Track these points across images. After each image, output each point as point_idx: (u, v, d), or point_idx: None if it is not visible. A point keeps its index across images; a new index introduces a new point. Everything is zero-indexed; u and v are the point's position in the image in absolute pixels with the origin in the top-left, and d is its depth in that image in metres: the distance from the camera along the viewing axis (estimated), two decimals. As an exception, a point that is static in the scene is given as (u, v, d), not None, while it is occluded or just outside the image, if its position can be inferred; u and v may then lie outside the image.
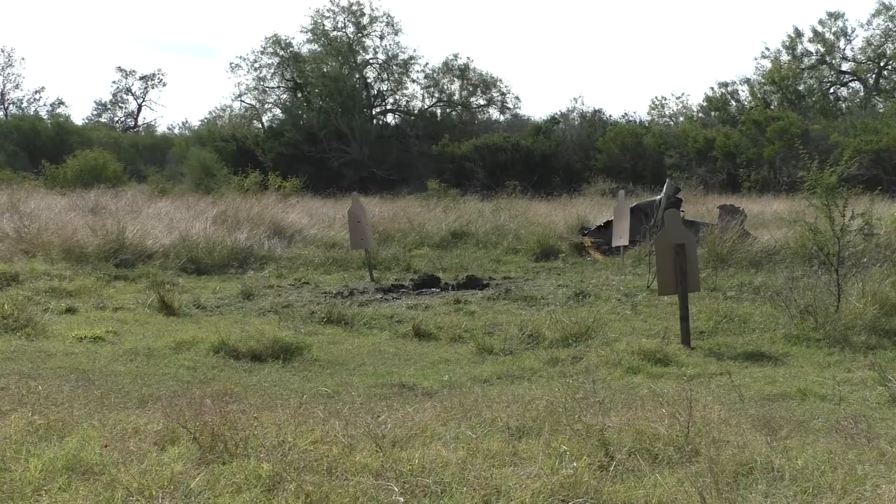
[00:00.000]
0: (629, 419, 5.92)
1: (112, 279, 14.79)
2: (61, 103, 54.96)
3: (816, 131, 37.90)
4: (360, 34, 48.32)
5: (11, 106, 53.63)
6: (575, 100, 46.41)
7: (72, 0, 71.52)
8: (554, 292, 14.29)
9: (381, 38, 48.55)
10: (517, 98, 51.38)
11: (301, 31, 50.88)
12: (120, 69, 57.57)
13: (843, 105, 48.34)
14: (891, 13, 46.98)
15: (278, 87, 49.59)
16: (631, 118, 49.58)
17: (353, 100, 46.59)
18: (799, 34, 48.91)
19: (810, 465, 5.08)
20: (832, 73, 48.99)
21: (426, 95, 50.31)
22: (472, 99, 50.56)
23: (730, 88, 49.32)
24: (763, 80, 48.59)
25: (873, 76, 48.39)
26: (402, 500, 4.44)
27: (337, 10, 47.84)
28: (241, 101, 49.72)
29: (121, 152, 40.05)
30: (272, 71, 49.05)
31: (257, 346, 9.19)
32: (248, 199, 23.59)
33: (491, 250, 19.75)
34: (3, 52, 53.93)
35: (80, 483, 4.66)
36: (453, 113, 50.05)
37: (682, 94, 52.32)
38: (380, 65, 49.22)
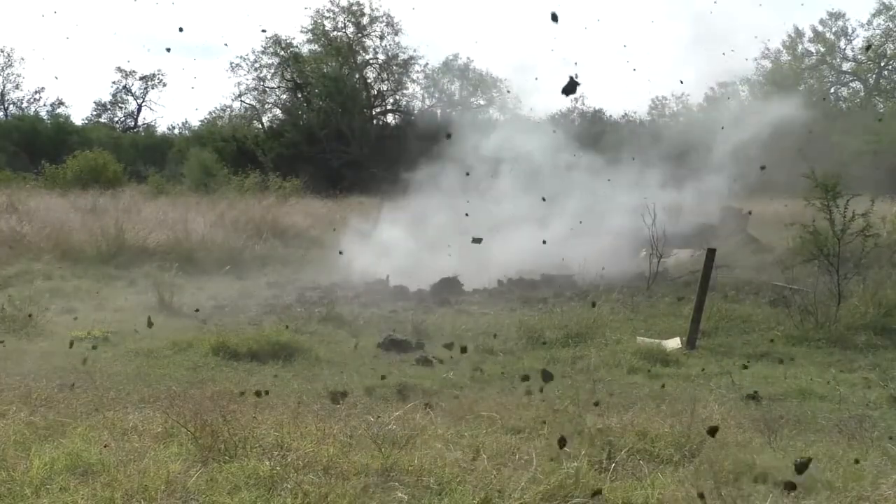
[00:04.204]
0: (630, 419, 5.92)
1: (111, 279, 14.79)
2: (61, 103, 54.79)
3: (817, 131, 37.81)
4: (360, 34, 48.33)
5: (11, 106, 53.54)
6: (575, 100, 46.52)
7: (72, 0, 71.69)
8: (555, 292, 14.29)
9: (381, 38, 48.59)
10: (517, 98, 51.36)
11: (301, 32, 50.91)
12: (120, 69, 57.31)
13: (844, 105, 48.30)
14: (891, 13, 46.97)
15: (278, 87, 49.59)
16: (631, 118, 49.53)
17: (353, 100, 46.57)
18: (800, 34, 48.94)
19: (811, 464, 5.07)
20: (832, 73, 48.97)
21: (426, 95, 50.30)
22: (472, 99, 50.54)
23: (730, 89, 49.29)
24: (763, 81, 48.55)
25: (873, 76, 48.37)
26: (405, 497, 4.44)
27: (337, 10, 47.89)
28: (242, 101, 49.75)
29: (120, 153, 39.86)
30: (272, 71, 49.07)
31: (257, 346, 9.18)
32: (247, 200, 23.57)
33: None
34: (2, 52, 53.76)
35: (80, 483, 4.65)
36: (453, 113, 50.01)
37: (683, 94, 52.07)
38: (380, 65, 49.23)
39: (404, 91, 50.24)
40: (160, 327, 10.84)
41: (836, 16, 48.32)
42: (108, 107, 56.13)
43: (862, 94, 48.76)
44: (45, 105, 54.35)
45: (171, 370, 8.47)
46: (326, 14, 47.85)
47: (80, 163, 32.06)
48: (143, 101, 56.01)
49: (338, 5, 47.78)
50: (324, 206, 26.64)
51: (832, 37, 48.55)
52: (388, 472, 4.76)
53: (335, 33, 48.02)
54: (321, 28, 47.80)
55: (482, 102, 50.56)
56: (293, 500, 4.41)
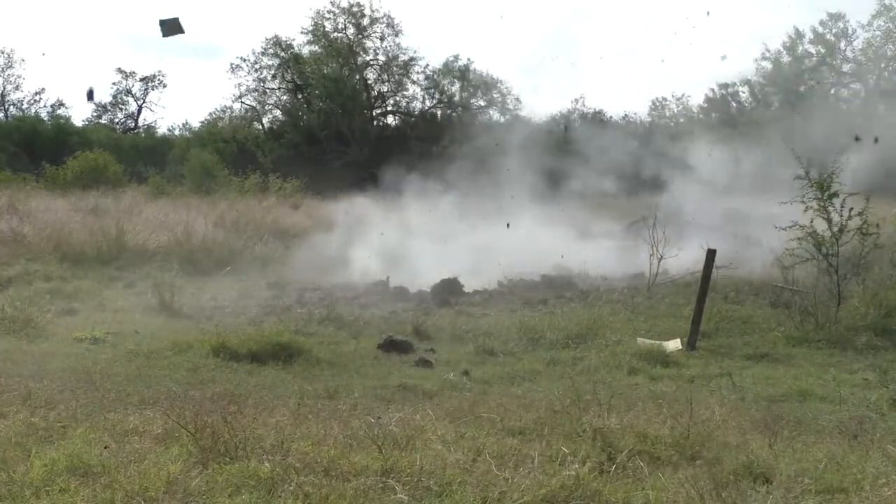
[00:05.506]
0: (630, 421, 5.91)
1: (112, 281, 14.79)
2: (62, 104, 54.74)
3: (817, 132, 37.74)
4: (360, 35, 48.34)
5: (11, 107, 53.47)
6: (576, 100, 46.32)
7: (72, 1, 71.87)
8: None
9: (382, 39, 48.59)
10: (517, 99, 51.34)
11: (301, 33, 50.86)
12: (120, 70, 57.34)
13: (844, 106, 48.24)
14: (892, 14, 46.96)
15: (279, 88, 49.62)
16: (632, 119, 49.51)
17: (354, 101, 46.57)
18: (800, 35, 48.93)
19: (811, 465, 5.06)
20: (833, 74, 48.92)
21: (426, 97, 50.30)
22: (473, 100, 50.52)
23: (730, 90, 49.30)
24: (763, 81, 48.52)
25: (874, 77, 48.33)
26: (405, 498, 4.43)
27: (337, 11, 47.90)
28: (242, 102, 49.77)
29: (121, 154, 39.81)
30: (273, 72, 49.09)
31: (257, 347, 9.17)
32: (248, 201, 23.57)
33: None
34: (2, 53, 53.70)
35: (80, 484, 4.65)
36: (453, 114, 49.99)
37: (683, 94, 52.05)
38: (380, 66, 49.23)
39: (405, 92, 50.27)
40: (160, 328, 10.85)
41: (837, 17, 48.35)
42: (109, 108, 56.11)
43: (862, 95, 48.73)
44: (45, 106, 54.32)
45: (171, 371, 8.47)
46: (327, 15, 47.91)
47: (80, 164, 32.06)
48: (144, 103, 56.02)
49: (338, 6, 47.84)
50: (324, 207, 26.65)
51: (832, 38, 48.55)
52: (388, 474, 4.76)
53: (335, 34, 48.06)
54: (321, 29, 47.83)
55: (482, 104, 50.56)
56: (294, 502, 4.41)
